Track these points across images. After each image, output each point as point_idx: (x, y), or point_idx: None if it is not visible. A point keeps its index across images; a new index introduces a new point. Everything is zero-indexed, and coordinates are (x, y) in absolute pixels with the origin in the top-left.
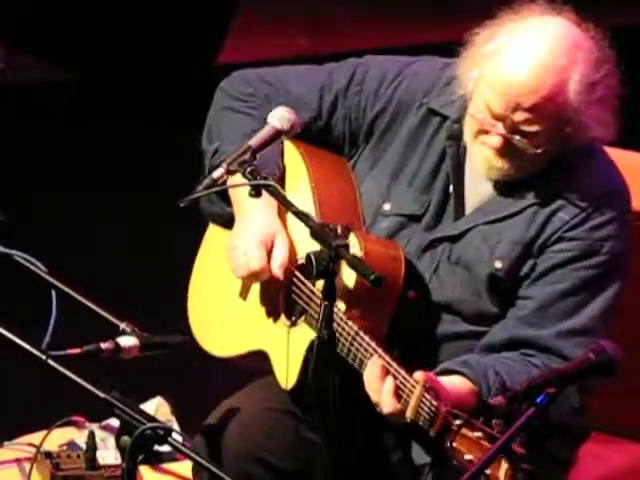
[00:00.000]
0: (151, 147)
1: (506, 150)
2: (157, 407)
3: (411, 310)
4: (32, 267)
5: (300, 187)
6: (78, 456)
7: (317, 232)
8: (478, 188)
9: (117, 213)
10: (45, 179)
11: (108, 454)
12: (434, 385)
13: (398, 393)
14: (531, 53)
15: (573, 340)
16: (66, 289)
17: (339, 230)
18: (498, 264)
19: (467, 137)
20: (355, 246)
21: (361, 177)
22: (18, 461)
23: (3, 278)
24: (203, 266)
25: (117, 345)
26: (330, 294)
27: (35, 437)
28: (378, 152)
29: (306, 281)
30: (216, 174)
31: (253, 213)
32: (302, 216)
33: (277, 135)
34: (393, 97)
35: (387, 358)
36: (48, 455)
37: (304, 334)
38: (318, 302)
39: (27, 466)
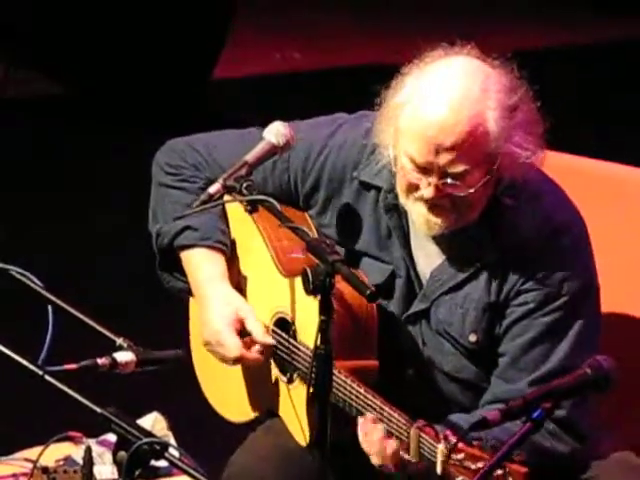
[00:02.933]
0: (149, 157)
1: (440, 200)
2: (154, 422)
3: (415, 387)
4: (29, 282)
5: (253, 240)
6: (75, 471)
7: (314, 247)
8: (427, 253)
9: (116, 220)
10: (45, 184)
11: (105, 469)
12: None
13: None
14: (442, 92)
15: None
16: (62, 304)
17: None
18: (472, 337)
19: (401, 198)
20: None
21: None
22: (15, 476)
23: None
24: (198, 339)
25: (114, 360)
26: (327, 309)
27: (32, 452)
28: (324, 222)
29: (287, 336)
30: (212, 189)
31: (209, 296)
32: (299, 231)
33: (273, 150)
34: (323, 173)
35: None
36: (45, 470)
37: (302, 389)
38: (303, 355)
39: None
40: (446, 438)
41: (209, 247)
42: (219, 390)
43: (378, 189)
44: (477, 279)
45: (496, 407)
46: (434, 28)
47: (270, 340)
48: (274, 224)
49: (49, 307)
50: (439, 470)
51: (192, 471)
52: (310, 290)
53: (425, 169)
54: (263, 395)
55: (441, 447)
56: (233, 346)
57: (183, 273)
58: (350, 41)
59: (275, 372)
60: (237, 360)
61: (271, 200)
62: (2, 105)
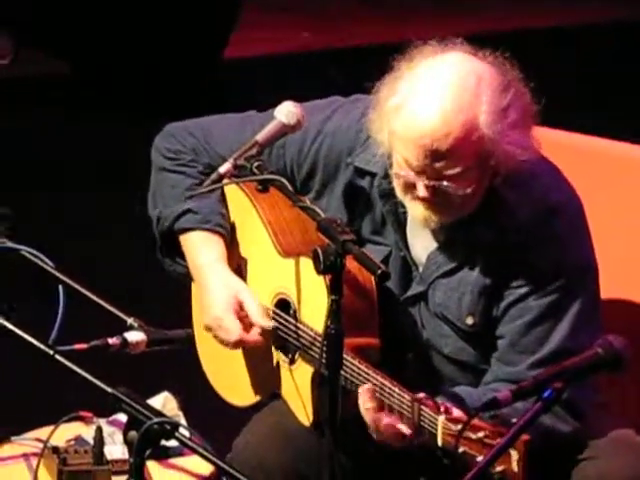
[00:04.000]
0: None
1: (436, 199)
2: (164, 402)
3: (415, 369)
4: (40, 262)
5: (252, 223)
6: (85, 451)
7: (325, 227)
8: (423, 237)
9: (117, 212)
10: (46, 176)
11: (115, 449)
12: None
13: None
14: (434, 98)
15: (545, 367)
16: (73, 284)
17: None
18: (469, 320)
19: (399, 194)
20: None
21: None
22: (25, 456)
23: (10, 273)
24: (200, 324)
25: (124, 340)
26: (337, 289)
27: (42, 432)
28: (321, 207)
29: (288, 317)
30: (223, 169)
31: (208, 280)
32: (309, 210)
33: (284, 130)
34: (318, 158)
35: (379, 381)
36: (55, 450)
37: (305, 370)
38: (305, 336)
39: (34, 461)
40: (447, 410)
41: (209, 230)
42: (222, 375)
43: (373, 175)
44: (473, 262)
45: (506, 387)
46: (438, 8)
47: (268, 322)
48: (272, 206)
49: (60, 287)
50: (440, 442)
51: (203, 451)
52: (321, 270)
53: (420, 171)
54: (265, 377)
55: (442, 419)
56: (233, 329)
57: (183, 257)
58: (357, 20)
59: (277, 354)
60: (238, 343)
61: (282, 180)
62: (9, 84)
